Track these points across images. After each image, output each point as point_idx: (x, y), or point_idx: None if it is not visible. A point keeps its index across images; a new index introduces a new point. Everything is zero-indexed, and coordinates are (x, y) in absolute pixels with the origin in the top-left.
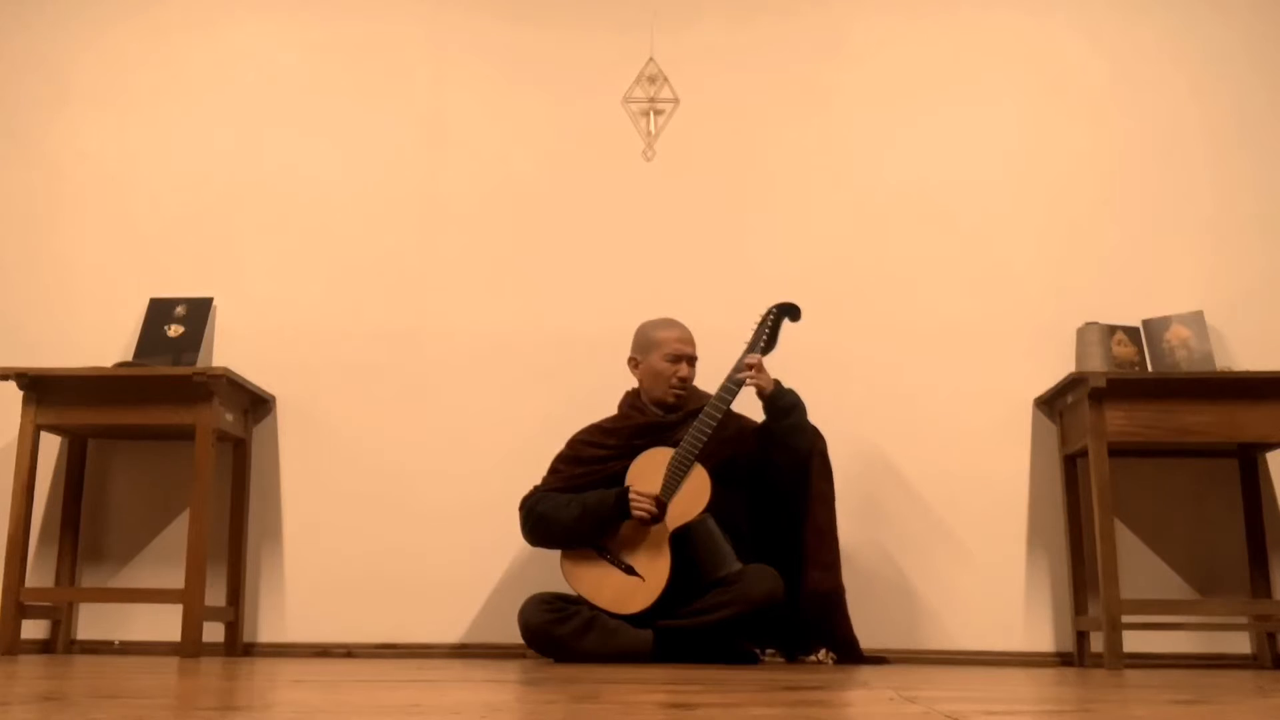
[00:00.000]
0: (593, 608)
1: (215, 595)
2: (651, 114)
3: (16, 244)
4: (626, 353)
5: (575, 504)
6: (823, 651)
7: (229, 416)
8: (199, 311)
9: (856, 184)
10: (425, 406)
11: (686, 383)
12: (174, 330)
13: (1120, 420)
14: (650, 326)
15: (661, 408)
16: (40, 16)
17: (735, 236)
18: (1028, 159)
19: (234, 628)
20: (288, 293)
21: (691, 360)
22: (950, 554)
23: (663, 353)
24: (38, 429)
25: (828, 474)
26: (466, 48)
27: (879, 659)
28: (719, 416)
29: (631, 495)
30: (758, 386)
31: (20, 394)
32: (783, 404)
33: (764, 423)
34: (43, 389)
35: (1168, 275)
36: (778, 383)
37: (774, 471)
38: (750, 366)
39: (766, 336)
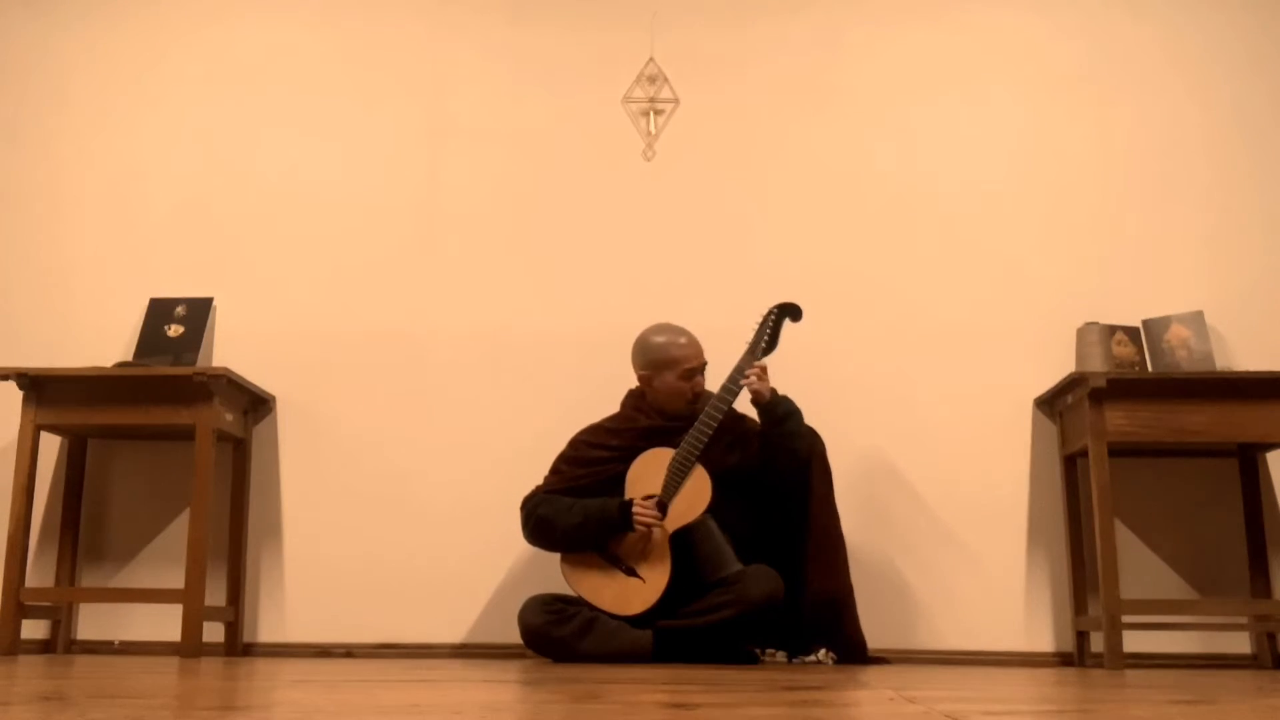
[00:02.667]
0: (593, 609)
1: (215, 595)
2: (651, 114)
3: (17, 244)
4: (627, 352)
5: (577, 510)
6: (823, 651)
7: (229, 416)
8: (199, 311)
9: (856, 184)
10: (425, 406)
11: (699, 393)
12: (174, 330)
13: (1120, 420)
14: (657, 340)
15: (674, 418)
16: (42, 18)
17: (735, 236)
18: (1028, 159)
19: (234, 628)
20: (288, 293)
21: (703, 368)
22: (950, 554)
23: (677, 372)
24: (38, 429)
25: (827, 477)
26: (467, 48)
27: (879, 659)
28: (719, 418)
29: (635, 509)
30: (755, 392)
31: (20, 394)
32: (778, 412)
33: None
34: (43, 389)
35: (1168, 275)
36: (774, 391)
37: (774, 475)
38: (753, 371)
39: (768, 337)
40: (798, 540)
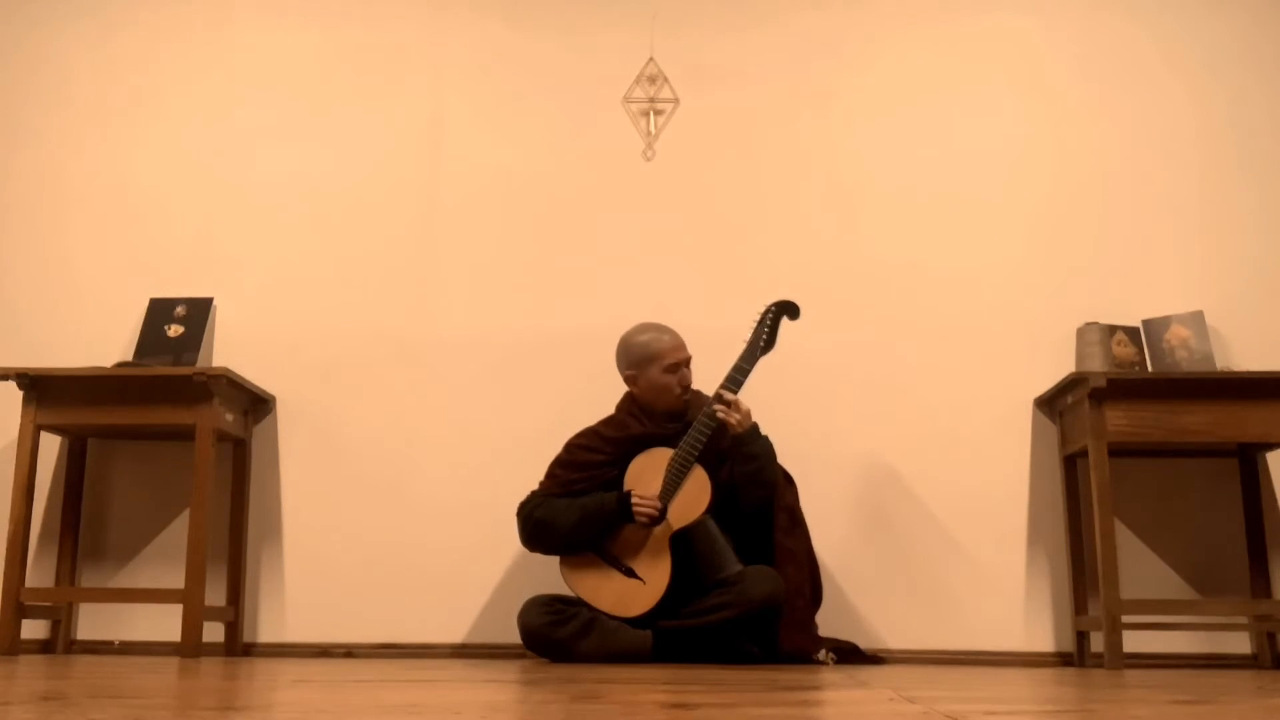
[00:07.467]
0: (592, 609)
1: (215, 595)
2: (651, 114)
3: (18, 244)
4: None
5: (575, 508)
6: (823, 651)
7: (229, 416)
8: (199, 311)
9: (856, 185)
10: (425, 406)
11: (689, 388)
12: (174, 330)
13: (1120, 420)
14: (638, 337)
15: (668, 416)
16: (44, 20)
17: (735, 237)
18: (1027, 160)
19: (234, 628)
20: (288, 293)
21: (689, 362)
22: (950, 554)
23: (661, 365)
24: (38, 429)
25: (799, 531)
26: (466, 49)
27: (878, 659)
28: (717, 419)
29: (634, 499)
30: (728, 424)
31: (20, 394)
32: (746, 452)
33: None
34: (43, 389)
35: (1168, 275)
36: (754, 426)
37: (741, 500)
38: (726, 402)
39: (766, 334)
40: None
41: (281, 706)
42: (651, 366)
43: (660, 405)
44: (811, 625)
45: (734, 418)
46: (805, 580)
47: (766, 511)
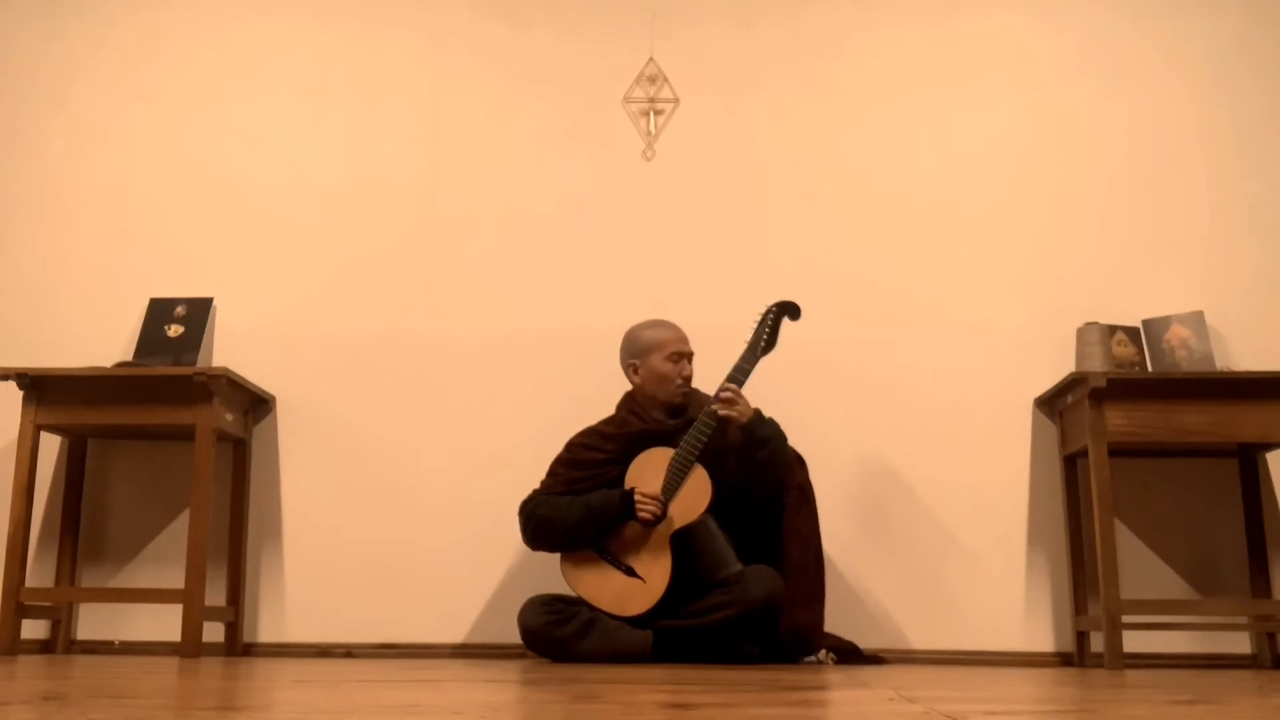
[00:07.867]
0: (592, 609)
1: (215, 595)
2: (651, 114)
3: (17, 244)
4: None
5: (578, 505)
6: (823, 651)
7: (229, 416)
8: (199, 311)
9: (856, 184)
10: (425, 406)
11: (689, 381)
12: (174, 330)
13: (1120, 420)
14: (643, 329)
15: (668, 410)
16: (43, 19)
17: (735, 236)
18: (1027, 160)
19: (234, 628)
20: (288, 293)
21: (691, 357)
22: (950, 554)
23: (663, 354)
24: (38, 429)
25: (808, 508)
26: (466, 49)
27: (878, 659)
28: (718, 418)
29: (637, 497)
30: (731, 418)
31: (20, 394)
32: (757, 436)
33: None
34: (43, 389)
35: (1168, 275)
36: (758, 412)
37: (751, 492)
38: (725, 399)
39: (767, 335)
40: (775, 563)
41: (281, 706)
42: (653, 355)
43: (660, 396)
44: (816, 607)
45: (735, 410)
46: (810, 561)
47: (780, 497)
